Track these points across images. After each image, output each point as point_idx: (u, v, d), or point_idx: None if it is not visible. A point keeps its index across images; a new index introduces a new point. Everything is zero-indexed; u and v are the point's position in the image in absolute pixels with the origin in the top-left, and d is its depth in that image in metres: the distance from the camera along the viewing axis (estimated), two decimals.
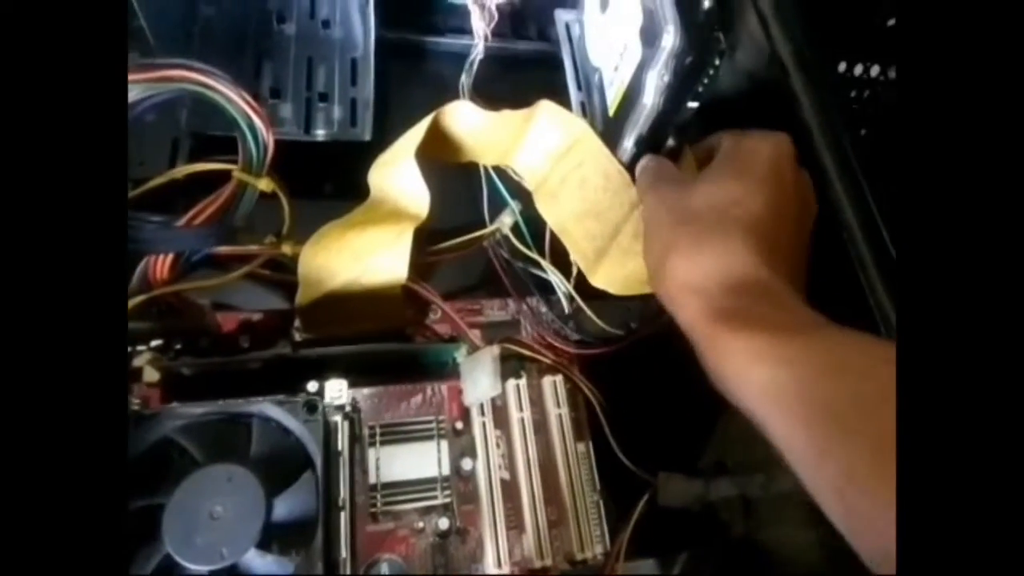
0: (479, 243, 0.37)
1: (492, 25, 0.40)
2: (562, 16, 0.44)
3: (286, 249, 0.30)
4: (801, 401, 0.20)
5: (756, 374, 0.21)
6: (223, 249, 0.29)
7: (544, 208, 0.35)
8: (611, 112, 0.35)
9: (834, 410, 0.19)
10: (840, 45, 0.34)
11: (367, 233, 0.31)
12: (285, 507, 0.25)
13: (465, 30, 0.43)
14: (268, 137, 0.26)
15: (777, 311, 0.22)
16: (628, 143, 0.33)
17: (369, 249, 0.31)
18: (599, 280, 0.34)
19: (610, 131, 0.35)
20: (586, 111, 0.41)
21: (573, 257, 0.35)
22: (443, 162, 0.35)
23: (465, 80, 0.38)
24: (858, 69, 0.35)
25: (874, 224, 0.26)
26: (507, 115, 0.34)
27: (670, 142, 0.32)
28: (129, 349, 0.31)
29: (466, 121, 0.33)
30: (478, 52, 0.39)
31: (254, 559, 0.24)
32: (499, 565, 0.31)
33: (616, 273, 0.33)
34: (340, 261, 0.31)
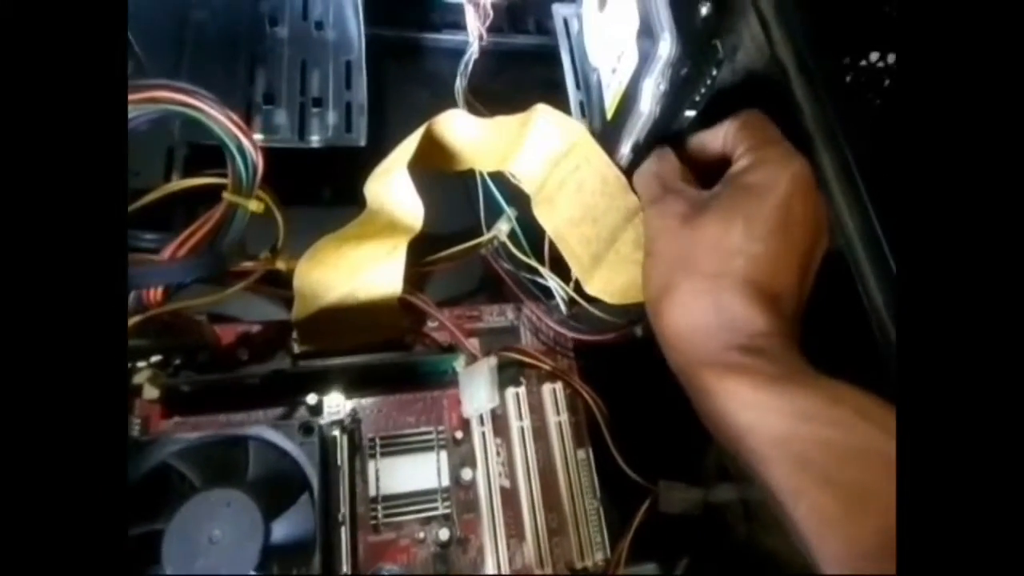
0: (476, 251, 0.36)
1: (488, 23, 0.39)
2: (560, 11, 0.43)
3: (280, 265, 0.30)
4: (778, 446, 0.21)
5: (740, 419, 0.22)
6: None
7: (541, 214, 0.34)
8: (609, 115, 0.34)
9: (807, 456, 0.20)
10: (846, 37, 0.32)
11: (361, 247, 0.31)
12: (283, 529, 0.25)
13: (462, 25, 0.42)
14: (257, 157, 0.26)
15: (766, 363, 0.22)
16: (625, 149, 0.32)
17: (363, 263, 0.31)
18: (594, 288, 0.33)
19: (608, 135, 0.34)
20: (585, 111, 0.40)
21: (569, 263, 0.35)
22: (440, 171, 0.34)
23: (460, 83, 0.37)
24: (871, 58, 0.34)
25: (876, 239, 0.25)
26: (502, 121, 0.33)
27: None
28: (128, 366, 0.31)
29: (460, 130, 0.33)
30: (473, 52, 0.38)
31: None
32: (499, 573, 0.31)
33: (614, 281, 0.33)
34: (335, 276, 0.31)
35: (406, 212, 0.31)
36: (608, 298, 0.33)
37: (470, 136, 0.33)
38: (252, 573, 0.23)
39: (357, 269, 0.31)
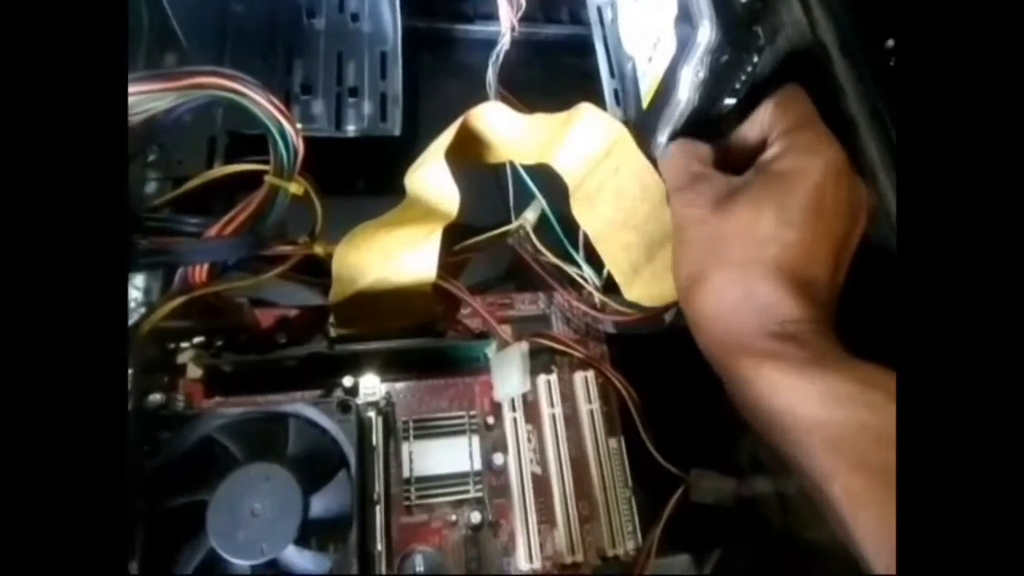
0: (504, 239, 0.36)
1: (520, 14, 0.39)
2: None
3: (318, 249, 0.31)
4: (812, 430, 0.21)
5: (773, 404, 0.22)
6: None
7: (580, 213, 0.35)
8: (644, 104, 0.34)
9: (841, 439, 0.20)
10: (890, 19, 0.32)
11: (397, 232, 0.31)
12: (322, 504, 0.26)
13: (495, 16, 0.42)
14: (298, 141, 0.26)
15: (797, 348, 0.22)
16: (662, 138, 0.32)
17: (398, 248, 0.32)
18: (633, 295, 0.33)
19: (644, 123, 0.34)
20: (619, 100, 0.40)
21: (609, 267, 0.35)
22: (475, 164, 0.35)
23: (491, 75, 0.37)
24: None
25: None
26: (542, 118, 0.33)
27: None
28: (172, 346, 0.32)
29: (498, 124, 0.33)
30: (504, 44, 0.38)
31: (293, 555, 0.25)
32: (530, 559, 0.32)
33: (652, 289, 0.33)
34: (371, 259, 0.32)
35: (442, 198, 0.31)
36: (645, 303, 0.33)
37: (507, 131, 0.34)
38: (291, 546, 0.24)
39: (392, 253, 0.32)
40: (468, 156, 0.34)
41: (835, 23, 0.28)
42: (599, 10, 0.43)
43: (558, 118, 0.33)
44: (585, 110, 0.33)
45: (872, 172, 0.26)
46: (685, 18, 0.28)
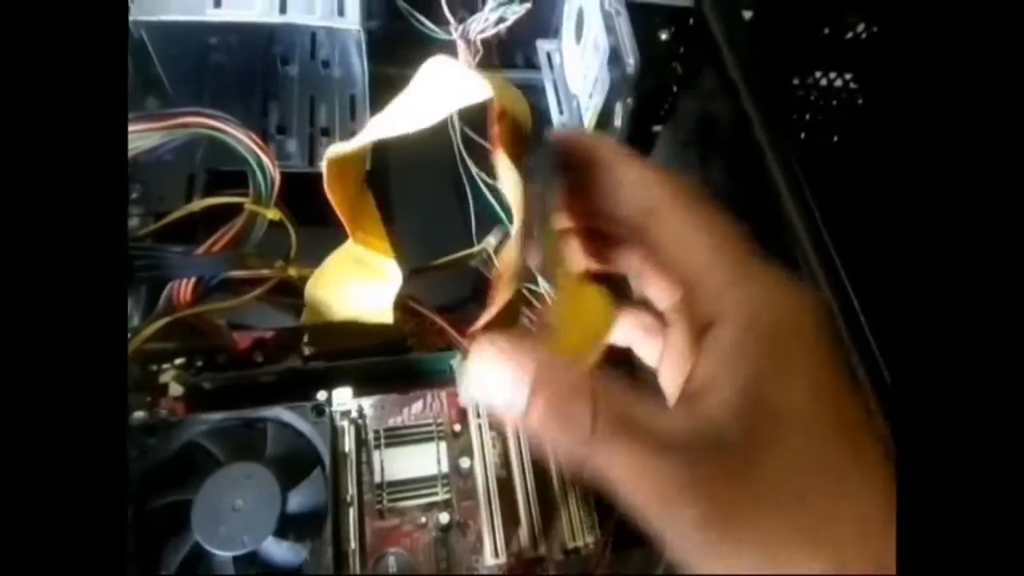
0: (467, 262, 0.40)
1: (478, 58, 0.43)
2: (543, 46, 0.48)
3: (292, 272, 0.34)
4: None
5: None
6: (237, 275, 0.32)
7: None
8: None
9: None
10: (797, 60, 0.37)
11: (358, 284, 0.34)
12: (298, 500, 0.28)
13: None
14: (275, 172, 0.29)
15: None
16: None
17: (359, 297, 0.34)
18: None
19: None
20: None
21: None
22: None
23: (454, 115, 0.41)
24: (815, 76, 0.38)
25: (819, 233, 0.28)
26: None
27: None
28: (155, 367, 0.34)
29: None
30: None
31: (272, 546, 0.26)
32: (496, 556, 0.34)
33: None
34: (337, 301, 0.34)
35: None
36: None
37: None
38: (271, 537, 0.26)
39: (355, 301, 0.34)
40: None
41: (741, 63, 0.32)
42: (548, 56, 0.48)
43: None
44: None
45: (774, 187, 0.30)
46: (615, 57, 0.32)
